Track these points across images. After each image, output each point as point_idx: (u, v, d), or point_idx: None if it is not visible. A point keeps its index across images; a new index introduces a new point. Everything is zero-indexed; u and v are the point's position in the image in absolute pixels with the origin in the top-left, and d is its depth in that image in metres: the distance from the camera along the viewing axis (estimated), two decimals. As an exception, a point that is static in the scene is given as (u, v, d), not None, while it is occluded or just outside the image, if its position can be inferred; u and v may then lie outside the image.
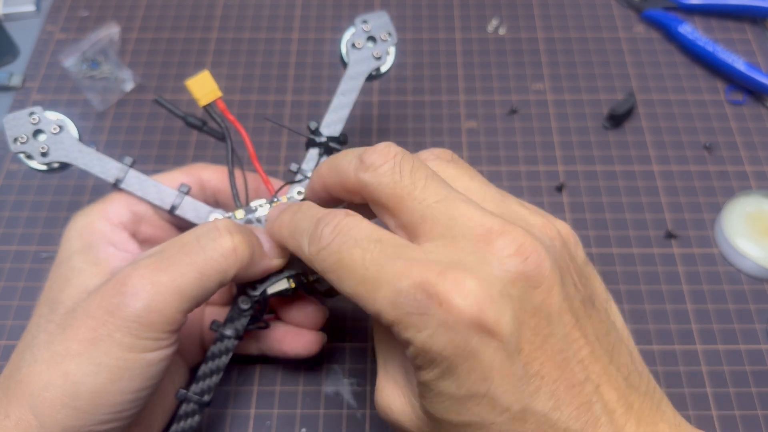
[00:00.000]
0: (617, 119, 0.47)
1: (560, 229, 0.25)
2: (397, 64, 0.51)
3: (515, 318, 0.21)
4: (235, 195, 0.33)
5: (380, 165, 0.24)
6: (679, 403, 0.36)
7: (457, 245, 0.22)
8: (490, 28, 0.53)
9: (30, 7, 0.54)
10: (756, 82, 0.48)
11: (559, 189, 0.44)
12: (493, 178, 0.45)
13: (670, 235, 0.42)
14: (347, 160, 0.25)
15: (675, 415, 0.24)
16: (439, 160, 0.26)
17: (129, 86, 0.49)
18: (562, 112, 0.48)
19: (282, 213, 0.28)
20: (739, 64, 0.48)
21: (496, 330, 0.21)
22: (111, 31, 0.49)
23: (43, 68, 0.51)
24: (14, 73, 0.50)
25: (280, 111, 0.48)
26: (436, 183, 0.24)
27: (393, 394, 0.25)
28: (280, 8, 0.55)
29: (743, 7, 0.52)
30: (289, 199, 0.33)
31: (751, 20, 0.53)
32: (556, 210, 0.43)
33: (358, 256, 0.22)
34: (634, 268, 0.41)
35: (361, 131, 0.47)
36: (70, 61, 0.47)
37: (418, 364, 0.22)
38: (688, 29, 0.51)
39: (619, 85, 0.50)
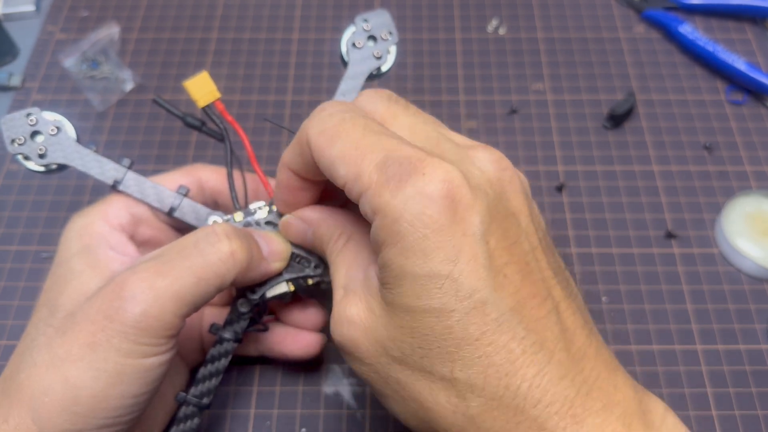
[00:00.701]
0: (617, 119, 0.47)
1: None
2: (397, 64, 0.51)
3: (488, 211, 0.22)
4: (234, 197, 0.33)
5: (374, 94, 0.26)
6: (679, 403, 0.36)
7: (443, 146, 0.24)
8: (490, 28, 0.53)
9: (30, 7, 0.54)
10: (756, 82, 0.48)
11: (559, 189, 0.44)
12: (493, 178, 0.45)
13: (670, 235, 0.42)
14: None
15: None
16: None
17: (129, 86, 0.49)
18: (562, 112, 0.48)
19: None
20: (739, 64, 0.48)
21: (469, 211, 0.21)
22: (111, 31, 0.49)
23: (43, 68, 0.51)
24: (14, 73, 0.50)
25: (280, 111, 0.48)
26: (426, 114, 0.26)
27: (351, 305, 0.25)
28: (281, 8, 0.55)
29: (743, 7, 0.52)
30: None
31: (752, 20, 0.53)
32: (556, 210, 0.43)
33: (361, 125, 0.23)
34: (634, 268, 0.41)
35: (361, 131, 0.47)
36: (70, 61, 0.47)
37: (383, 239, 0.22)
38: (688, 29, 0.51)
39: (619, 85, 0.50)
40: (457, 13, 0.54)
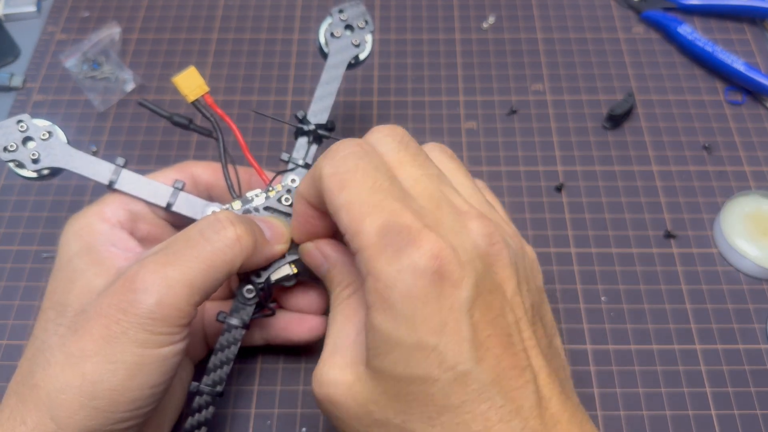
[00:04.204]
0: (616, 120, 0.47)
1: (528, 251, 0.28)
2: (396, 65, 0.51)
3: (475, 286, 0.23)
4: (230, 186, 0.33)
5: (388, 134, 0.26)
6: (678, 403, 0.36)
7: (442, 210, 0.24)
8: (486, 24, 0.53)
9: (31, 8, 0.54)
10: (755, 83, 0.48)
11: (559, 189, 0.44)
12: (493, 178, 0.45)
13: (669, 235, 0.42)
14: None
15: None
16: (442, 153, 0.28)
17: (130, 87, 0.49)
18: (562, 113, 0.48)
19: None
20: (738, 64, 0.48)
21: (457, 287, 0.22)
22: (112, 31, 0.50)
23: (44, 69, 0.51)
24: (15, 73, 0.50)
25: (280, 111, 0.49)
26: (433, 164, 0.26)
27: (335, 366, 0.25)
28: (281, 9, 0.55)
29: (742, 7, 0.53)
30: (283, 187, 0.33)
31: (751, 21, 0.53)
32: (555, 210, 0.43)
33: (370, 179, 0.24)
34: (634, 268, 0.41)
35: (360, 131, 0.47)
36: (71, 62, 0.47)
37: (374, 302, 0.23)
38: (687, 30, 0.51)
39: (619, 86, 0.50)
40: (456, 13, 0.54)
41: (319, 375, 0.26)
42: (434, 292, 0.22)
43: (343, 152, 0.25)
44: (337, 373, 0.25)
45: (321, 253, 0.30)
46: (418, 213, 0.24)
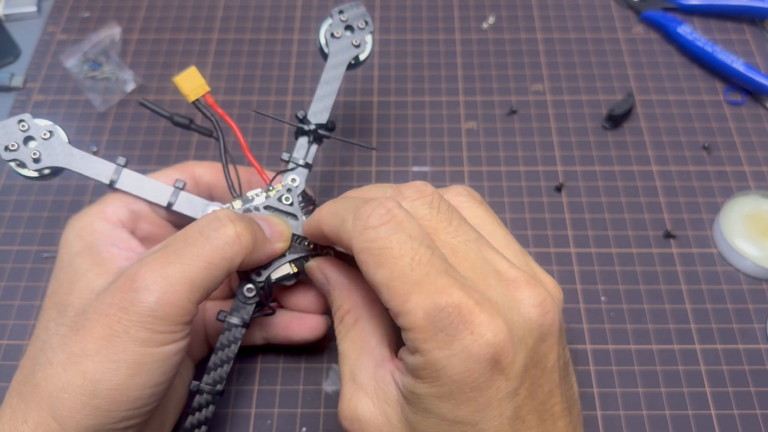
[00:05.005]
0: (616, 120, 0.47)
1: (561, 295, 0.27)
2: (396, 65, 0.51)
3: (525, 364, 0.22)
4: (231, 186, 0.33)
5: (417, 198, 0.25)
6: (678, 402, 0.36)
7: (488, 282, 0.23)
8: (486, 25, 0.53)
9: (31, 8, 0.54)
10: (755, 83, 0.48)
11: (558, 189, 0.44)
12: (493, 179, 0.45)
13: (668, 235, 0.42)
14: (382, 189, 0.26)
15: None
16: (470, 198, 0.27)
17: (130, 87, 0.50)
18: (562, 113, 0.48)
19: (323, 205, 0.29)
20: (737, 64, 0.48)
21: (508, 370, 0.22)
22: (112, 31, 0.50)
23: (44, 69, 0.51)
24: (16, 73, 0.50)
25: (280, 111, 0.49)
26: (468, 226, 0.25)
27: (362, 403, 0.25)
28: (281, 9, 0.55)
29: (742, 7, 0.53)
30: (283, 186, 0.33)
31: (750, 21, 0.53)
32: (555, 210, 0.44)
33: (408, 252, 0.23)
34: (633, 268, 0.41)
35: (360, 131, 0.47)
36: (71, 62, 0.48)
37: (420, 375, 0.22)
38: (687, 30, 0.51)
39: (618, 86, 0.50)
40: (456, 13, 0.54)
41: (347, 410, 0.25)
42: (485, 376, 0.22)
43: (375, 222, 0.23)
44: (366, 411, 0.25)
45: (323, 273, 0.30)
46: (467, 287, 0.22)
